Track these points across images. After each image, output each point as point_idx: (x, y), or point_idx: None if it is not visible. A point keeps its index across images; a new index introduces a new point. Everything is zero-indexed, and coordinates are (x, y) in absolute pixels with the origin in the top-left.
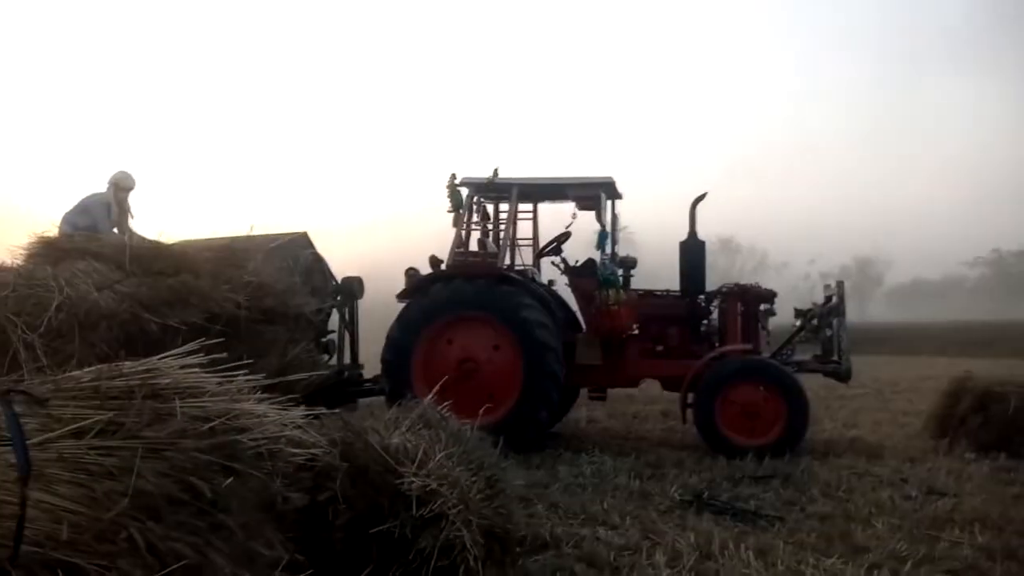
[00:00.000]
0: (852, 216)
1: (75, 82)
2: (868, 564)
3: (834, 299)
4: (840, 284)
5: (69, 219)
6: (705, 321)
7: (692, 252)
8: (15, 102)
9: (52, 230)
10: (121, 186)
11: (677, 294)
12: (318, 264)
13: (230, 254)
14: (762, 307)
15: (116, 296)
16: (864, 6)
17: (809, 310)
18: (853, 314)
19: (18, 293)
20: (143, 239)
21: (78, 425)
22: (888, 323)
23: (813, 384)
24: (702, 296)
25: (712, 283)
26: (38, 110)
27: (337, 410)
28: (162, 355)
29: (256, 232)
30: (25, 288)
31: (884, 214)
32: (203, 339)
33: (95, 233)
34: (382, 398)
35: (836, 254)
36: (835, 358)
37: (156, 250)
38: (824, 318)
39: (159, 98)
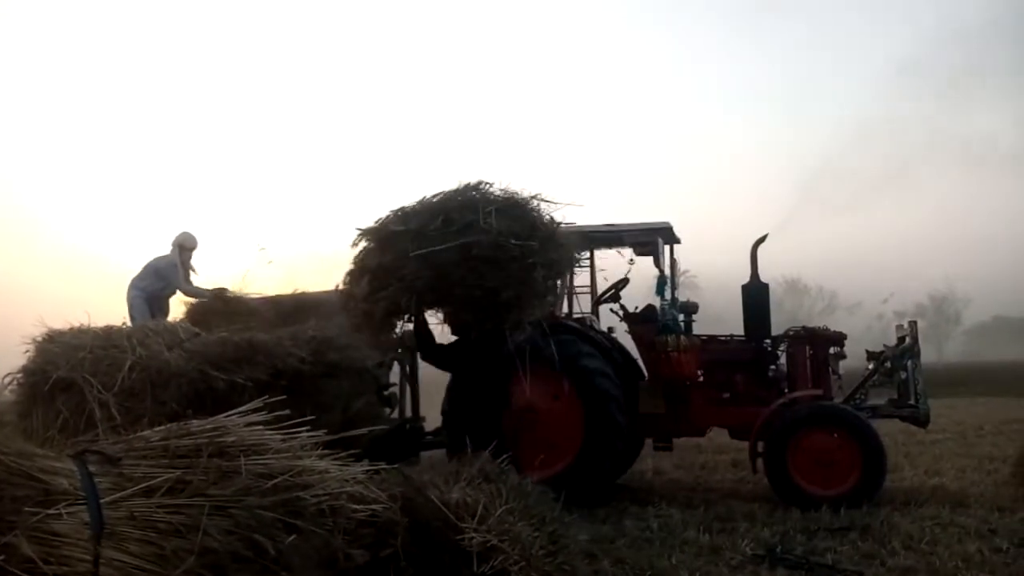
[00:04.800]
0: (927, 252)
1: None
2: None
3: (907, 339)
4: (913, 324)
5: (138, 284)
6: (773, 366)
7: (755, 295)
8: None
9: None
10: (186, 246)
11: (742, 338)
12: None
13: (294, 309)
14: (832, 350)
15: (185, 354)
16: (929, 33)
17: (881, 352)
18: (931, 354)
19: (94, 355)
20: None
21: (148, 484)
22: (969, 363)
23: (891, 430)
24: (768, 340)
25: (779, 326)
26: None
27: (397, 464)
28: (228, 413)
29: (318, 287)
30: (101, 350)
31: (960, 249)
32: (267, 396)
33: (172, 291)
34: (444, 451)
35: (911, 292)
36: (911, 401)
37: (222, 306)
38: (897, 360)
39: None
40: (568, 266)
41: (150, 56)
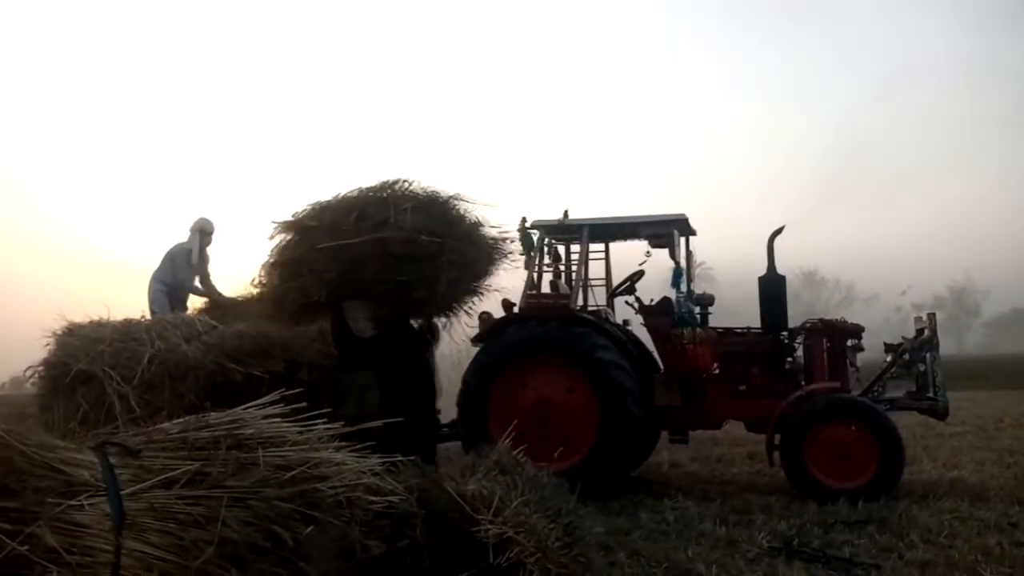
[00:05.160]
0: (945, 244)
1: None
2: None
3: (926, 332)
4: (932, 316)
5: (159, 277)
6: (789, 359)
7: (772, 287)
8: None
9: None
10: (207, 231)
11: (758, 331)
12: None
13: None
14: (849, 342)
15: (203, 347)
16: (949, 28)
17: (899, 344)
18: (951, 346)
19: (114, 348)
20: (218, 292)
21: (167, 475)
22: (988, 355)
23: (910, 422)
24: (784, 333)
25: (796, 318)
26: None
27: (413, 457)
28: (246, 406)
29: None
30: (120, 343)
31: (979, 241)
32: (284, 389)
33: (180, 285)
34: (460, 443)
35: (930, 284)
36: (930, 394)
37: (240, 300)
38: (916, 352)
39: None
40: (492, 266)
41: (153, 51)
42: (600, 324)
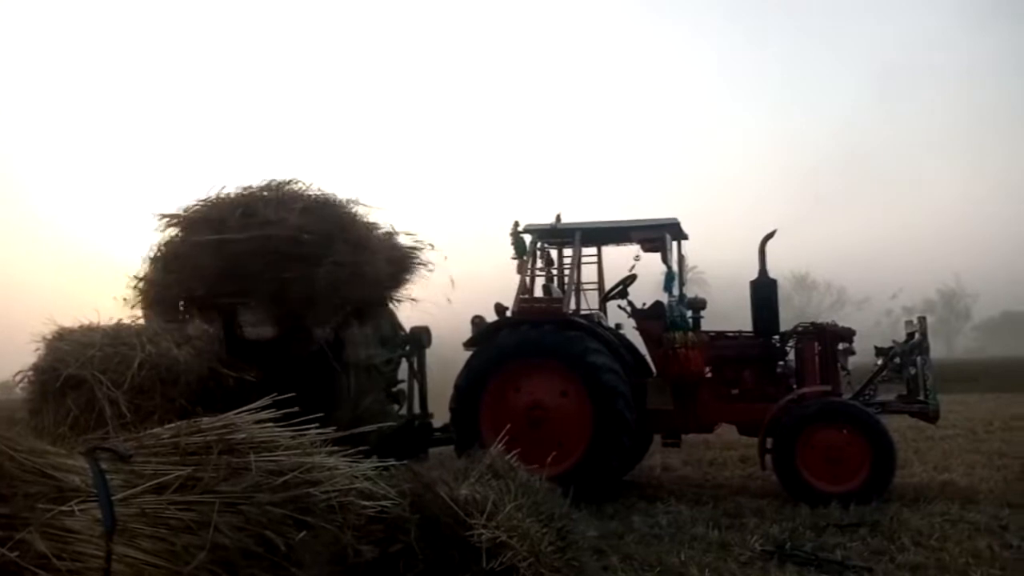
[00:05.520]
0: (936, 247)
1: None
2: None
3: (916, 335)
4: (922, 320)
5: None
6: (781, 362)
7: (763, 291)
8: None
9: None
10: None
11: (750, 335)
12: (387, 314)
13: None
14: (840, 346)
15: (194, 351)
16: (945, 29)
17: (890, 348)
18: (941, 350)
19: (104, 352)
20: None
21: (159, 481)
22: (978, 358)
23: (900, 425)
24: (776, 336)
25: (788, 322)
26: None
27: (406, 461)
28: (238, 410)
29: None
30: (110, 347)
31: (969, 245)
32: (276, 393)
33: None
34: (452, 447)
35: (920, 288)
36: (921, 397)
37: None
38: (906, 356)
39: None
40: (403, 274)
41: (150, 52)
42: (593, 328)
